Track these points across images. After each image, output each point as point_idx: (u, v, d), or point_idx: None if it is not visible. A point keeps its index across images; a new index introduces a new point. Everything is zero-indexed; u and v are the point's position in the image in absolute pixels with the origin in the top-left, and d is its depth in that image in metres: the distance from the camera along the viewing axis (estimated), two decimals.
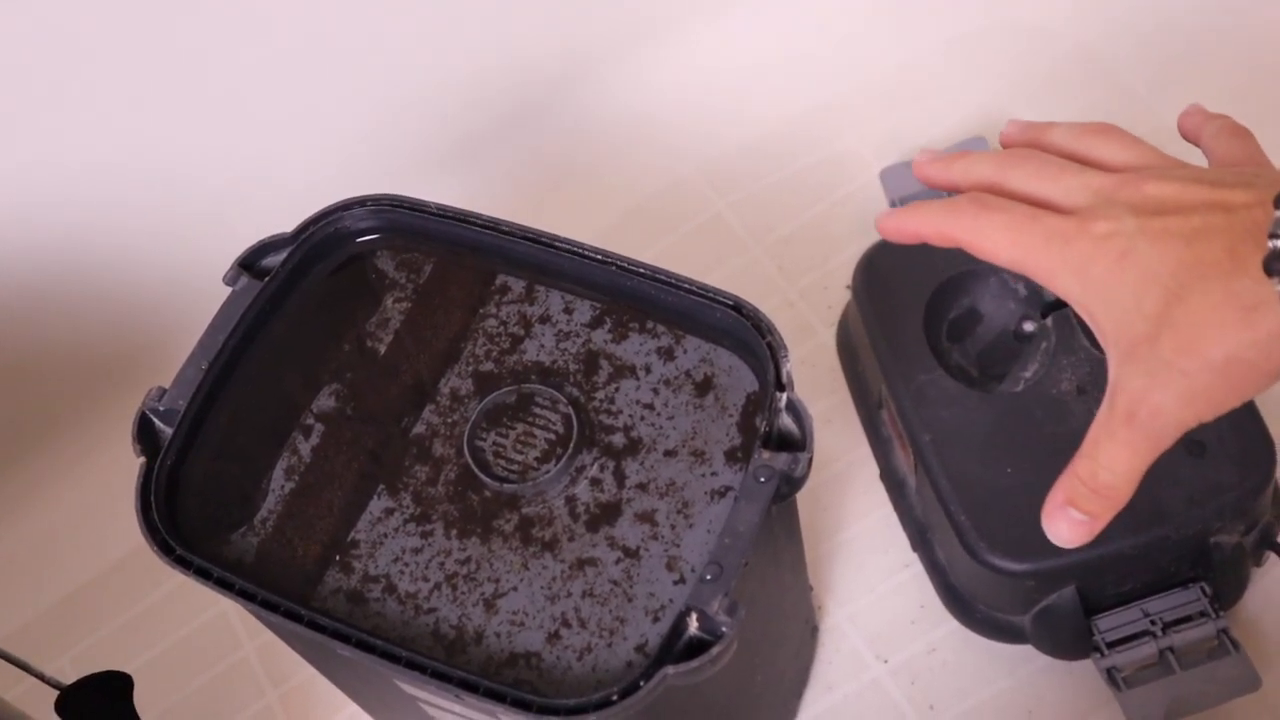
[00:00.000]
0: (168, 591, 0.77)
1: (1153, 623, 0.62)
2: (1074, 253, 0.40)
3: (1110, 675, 0.62)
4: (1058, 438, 0.63)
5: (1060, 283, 0.42)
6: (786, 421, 0.46)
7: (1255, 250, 0.37)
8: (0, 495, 0.80)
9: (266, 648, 0.74)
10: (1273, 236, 0.36)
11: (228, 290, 0.53)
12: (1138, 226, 0.39)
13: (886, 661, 0.68)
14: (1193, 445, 0.61)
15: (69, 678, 0.56)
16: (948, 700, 0.66)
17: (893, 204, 0.79)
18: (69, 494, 0.81)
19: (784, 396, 0.46)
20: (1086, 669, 0.65)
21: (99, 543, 0.79)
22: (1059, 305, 0.66)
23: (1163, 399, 0.39)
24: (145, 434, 0.49)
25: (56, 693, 0.56)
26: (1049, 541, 0.60)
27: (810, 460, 0.45)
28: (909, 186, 0.79)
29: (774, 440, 0.46)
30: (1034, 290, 0.67)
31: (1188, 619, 0.62)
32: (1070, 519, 0.43)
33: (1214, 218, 0.38)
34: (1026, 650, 0.65)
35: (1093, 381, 0.64)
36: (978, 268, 0.68)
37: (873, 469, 0.73)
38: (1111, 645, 0.62)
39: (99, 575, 0.79)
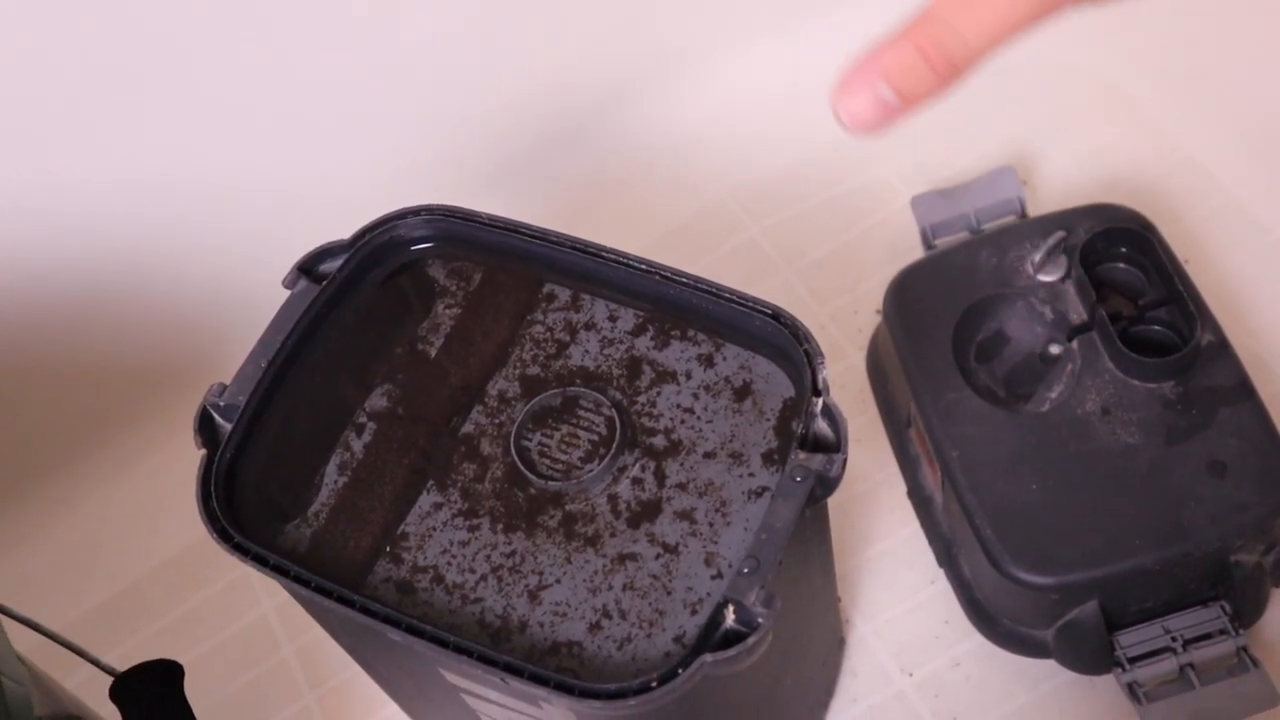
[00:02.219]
0: (209, 595, 0.79)
1: (1174, 639, 0.64)
2: None
3: (1132, 690, 0.64)
4: (1082, 456, 0.64)
5: None
6: (822, 425, 0.48)
7: None
8: (54, 495, 0.83)
9: (305, 650, 0.76)
10: None
11: (278, 303, 0.54)
12: None
13: (911, 675, 0.70)
14: (1214, 465, 0.63)
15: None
16: (971, 714, 0.68)
17: (923, 231, 0.81)
18: (119, 495, 0.83)
19: (820, 401, 0.48)
20: (1108, 684, 0.66)
21: (143, 546, 0.82)
22: (1084, 329, 0.68)
23: None
24: (206, 427, 0.51)
25: (110, 681, 0.57)
26: (1073, 556, 0.62)
27: (844, 462, 0.47)
28: (939, 214, 0.81)
29: (810, 442, 0.48)
30: (1060, 314, 0.69)
31: (1208, 636, 0.64)
32: (876, 96, 0.33)
33: None
34: (1049, 665, 0.67)
35: (1117, 403, 0.65)
36: (1005, 292, 0.70)
37: (900, 487, 0.74)
38: (1133, 660, 0.64)
39: (142, 577, 0.81)
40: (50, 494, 0.83)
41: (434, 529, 0.50)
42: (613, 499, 0.50)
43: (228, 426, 0.51)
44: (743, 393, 0.52)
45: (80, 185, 0.75)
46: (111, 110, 0.73)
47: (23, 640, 0.55)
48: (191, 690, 0.59)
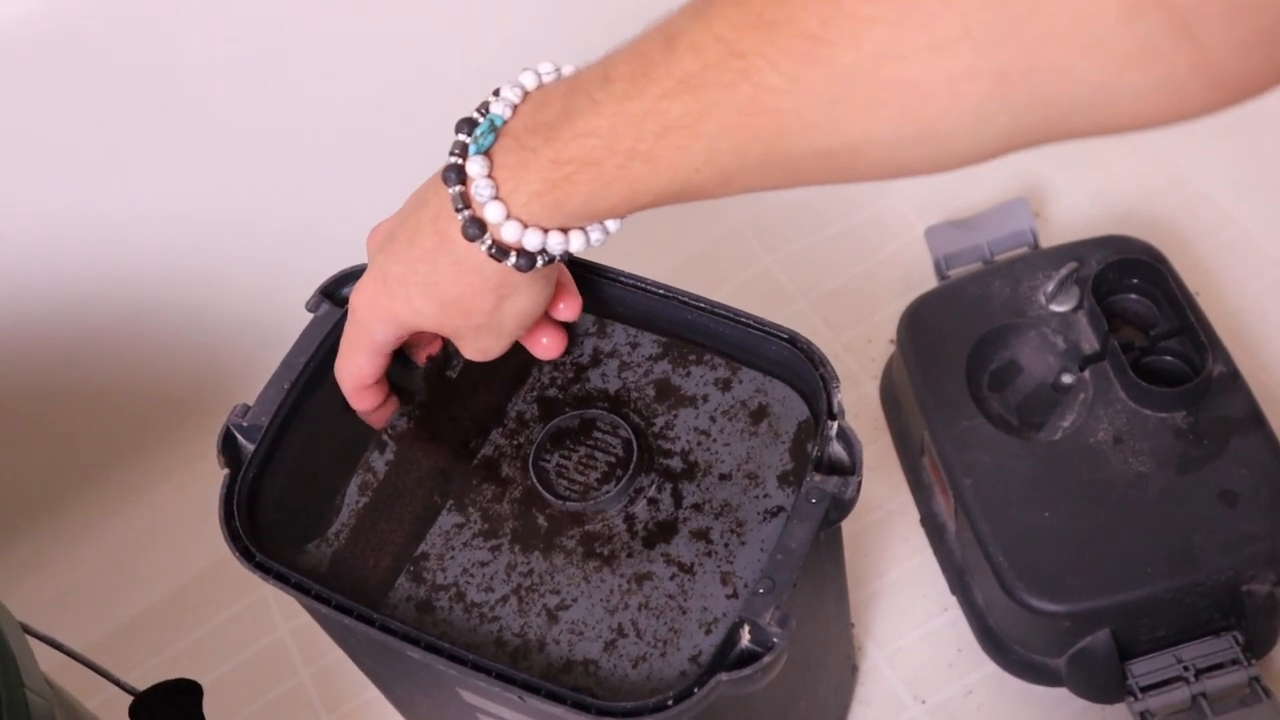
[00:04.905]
0: (228, 617, 0.80)
1: (1186, 669, 0.64)
2: (368, 297, 0.49)
3: (1144, 719, 0.64)
4: (1094, 484, 0.65)
5: (385, 328, 0.49)
6: (837, 448, 0.49)
7: (452, 224, 0.45)
8: (78, 517, 0.84)
9: (322, 673, 0.77)
10: (458, 210, 0.44)
11: (300, 326, 0.55)
12: (385, 257, 0.48)
13: (924, 702, 0.70)
14: (1225, 495, 0.63)
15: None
16: None
17: (937, 262, 0.82)
18: (142, 517, 0.84)
19: (835, 424, 0.49)
20: (1120, 713, 0.66)
21: (164, 568, 0.82)
22: (1096, 358, 0.69)
23: (474, 349, 0.49)
24: (229, 448, 0.52)
25: (130, 700, 0.58)
26: (1086, 584, 0.63)
27: (859, 484, 0.48)
28: (952, 245, 0.82)
29: (825, 464, 0.48)
30: (1073, 344, 0.70)
31: (1220, 666, 0.64)
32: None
33: (419, 215, 0.47)
34: (1061, 693, 0.67)
35: (1129, 432, 0.66)
36: (1018, 322, 0.71)
37: (913, 516, 0.75)
38: (1145, 689, 0.64)
39: (163, 599, 0.81)
40: (75, 515, 0.83)
41: (454, 549, 0.51)
42: (630, 519, 0.51)
43: (250, 447, 0.52)
44: (759, 416, 0.52)
45: (109, 215, 0.76)
46: (139, 142, 0.75)
47: (46, 659, 0.56)
48: (210, 712, 0.59)
